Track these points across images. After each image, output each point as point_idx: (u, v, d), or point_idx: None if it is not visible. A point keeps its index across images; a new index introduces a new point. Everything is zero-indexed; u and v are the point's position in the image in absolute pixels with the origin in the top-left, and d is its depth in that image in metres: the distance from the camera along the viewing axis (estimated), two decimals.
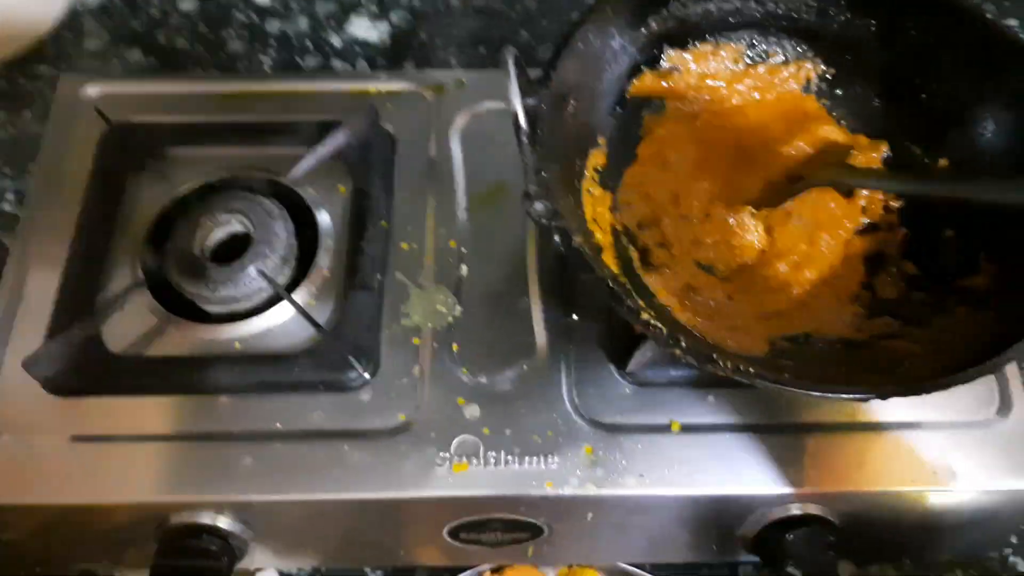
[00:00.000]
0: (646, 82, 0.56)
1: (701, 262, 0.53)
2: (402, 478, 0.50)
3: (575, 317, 0.55)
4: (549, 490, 0.50)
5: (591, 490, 0.50)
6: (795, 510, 0.50)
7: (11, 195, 0.73)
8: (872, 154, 0.55)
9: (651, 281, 0.52)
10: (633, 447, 0.51)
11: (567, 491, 0.50)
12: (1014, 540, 0.60)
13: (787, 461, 0.50)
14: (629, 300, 0.41)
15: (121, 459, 0.51)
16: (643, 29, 0.54)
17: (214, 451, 0.51)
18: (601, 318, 0.54)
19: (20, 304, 0.56)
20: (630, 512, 0.51)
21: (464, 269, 0.57)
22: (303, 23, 0.80)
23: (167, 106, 0.64)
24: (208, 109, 0.64)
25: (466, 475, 0.50)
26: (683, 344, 0.40)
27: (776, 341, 0.49)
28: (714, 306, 0.51)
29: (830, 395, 0.41)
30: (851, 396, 0.42)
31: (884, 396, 0.40)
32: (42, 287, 0.56)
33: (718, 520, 0.52)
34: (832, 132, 0.56)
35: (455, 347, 0.54)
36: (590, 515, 0.51)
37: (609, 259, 0.49)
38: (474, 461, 0.50)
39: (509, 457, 0.51)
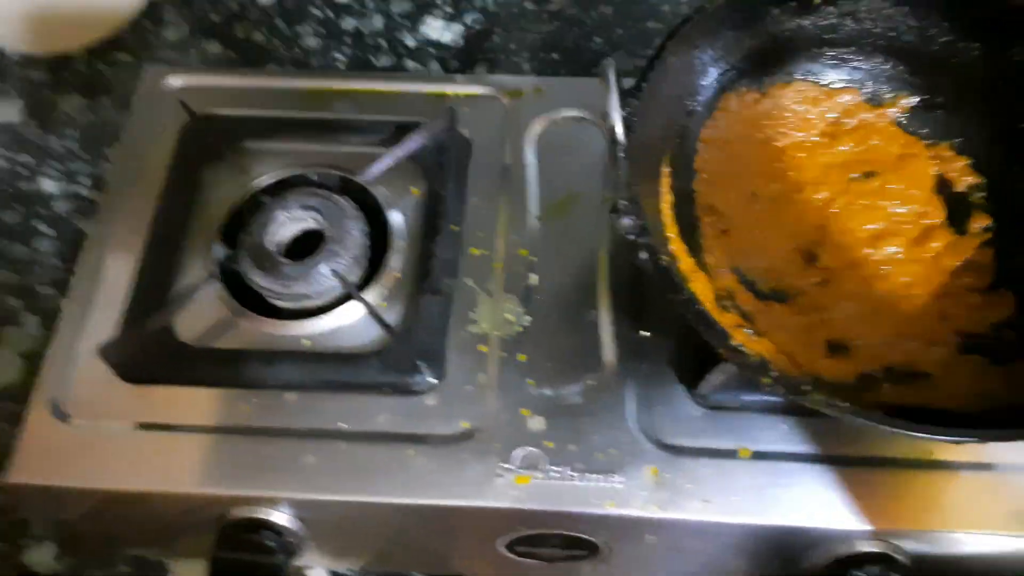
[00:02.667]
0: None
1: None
2: (463, 486, 0.50)
3: (645, 333, 0.54)
4: (611, 509, 0.49)
5: (654, 512, 0.49)
6: (863, 547, 0.49)
7: (87, 180, 0.74)
8: (966, 181, 0.53)
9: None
10: (699, 471, 0.50)
11: (629, 511, 0.49)
12: None
13: (858, 496, 0.49)
14: (718, 324, 0.40)
15: (185, 449, 0.51)
16: (736, 43, 0.53)
17: (278, 447, 0.51)
18: (672, 336, 0.53)
19: (97, 290, 0.56)
20: (691, 536, 0.50)
21: (534, 278, 0.57)
22: (378, 21, 0.81)
23: (245, 99, 0.65)
24: (285, 104, 0.64)
25: (528, 488, 0.50)
26: (773, 374, 0.39)
27: (864, 372, 0.47)
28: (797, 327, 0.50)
29: (928, 436, 0.39)
30: (952, 438, 0.40)
31: (985, 440, 0.39)
32: (118, 274, 0.57)
33: (781, 551, 0.51)
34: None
35: (522, 357, 0.54)
36: (651, 537, 0.50)
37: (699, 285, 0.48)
38: (537, 474, 0.50)
39: (572, 473, 0.50)
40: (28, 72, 0.79)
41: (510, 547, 0.52)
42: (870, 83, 0.55)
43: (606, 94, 0.42)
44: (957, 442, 0.44)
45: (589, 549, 0.52)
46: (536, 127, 0.62)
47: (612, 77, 0.42)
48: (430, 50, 0.79)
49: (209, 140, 0.61)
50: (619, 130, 0.41)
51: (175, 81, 0.65)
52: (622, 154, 0.42)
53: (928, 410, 0.47)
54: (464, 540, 0.55)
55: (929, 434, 0.39)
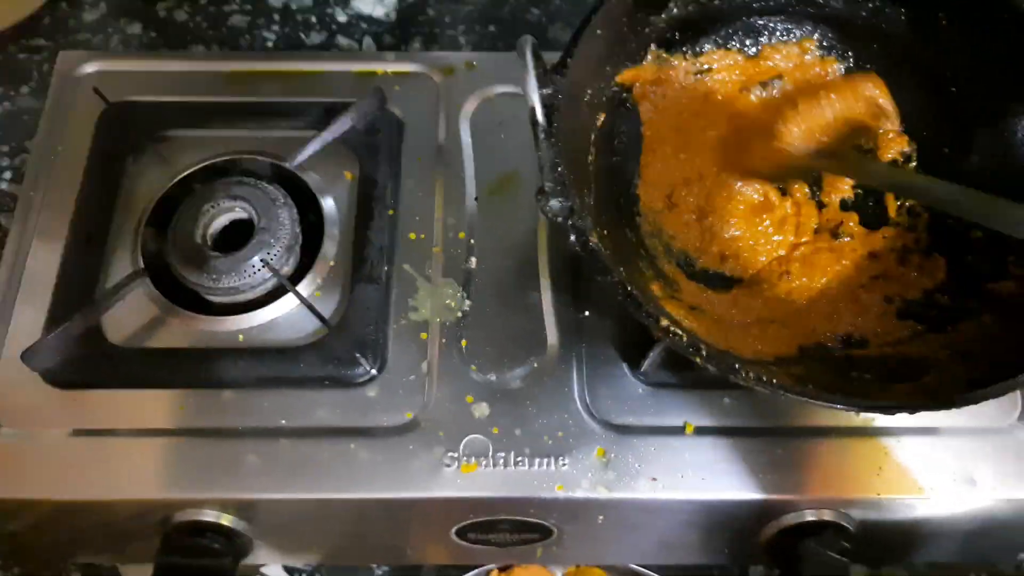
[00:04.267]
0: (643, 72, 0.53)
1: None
2: (410, 478, 0.49)
3: (587, 314, 0.54)
4: (560, 493, 0.49)
5: (603, 493, 0.49)
6: (810, 516, 0.49)
7: (7, 173, 0.71)
8: (897, 148, 0.53)
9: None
10: (646, 449, 0.50)
11: (578, 494, 0.49)
12: None
13: (802, 466, 0.49)
14: (648, 305, 0.39)
15: (123, 454, 0.50)
16: (663, 14, 0.51)
17: (218, 447, 0.50)
18: (614, 316, 0.53)
19: (19, 290, 0.54)
20: (642, 515, 0.50)
21: (473, 262, 0.55)
22: None
23: (167, 84, 0.62)
24: (209, 88, 0.62)
25: (475, 476, 0.49)
26: (704, 352, 0.38)
27: (800, 346, 0.47)
28: (732, 305, 0.50)
29: (858, 408, 0.39)
30: (880, 409, 0.41)
31: (913, 410, 0.39)
32: (41, 273, 0.54)
33: (731, 524, 0.51)
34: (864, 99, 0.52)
35: (464, 343, 0.53)
36: (601, 518, 0.50)
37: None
38: (483, 461, 0.49)
39: (519, 458, 0.49)
40: None
41: (461, 534, 0.52)
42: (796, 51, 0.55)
43: (524, 73, 0.40)
44: (886, 412, 0.44)
45: (541, 532, 0.52)
46: (470, 105, 0.61)
47: (529, 54, 0.40)
48: (362, 25, 0.76)
49: (127, 129, 0.59)
50: (539, 110, 0.40)
51: (89, 67, 0.62)
52: (542, 135, 0.40)
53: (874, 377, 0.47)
54: (416, 530, 0.54)
55: (851, 406, 0.39)
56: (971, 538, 0.53)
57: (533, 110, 0.40)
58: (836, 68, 0.54)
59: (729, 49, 0.54)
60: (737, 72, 0.54)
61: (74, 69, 0.62)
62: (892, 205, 0.53)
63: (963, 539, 0.53)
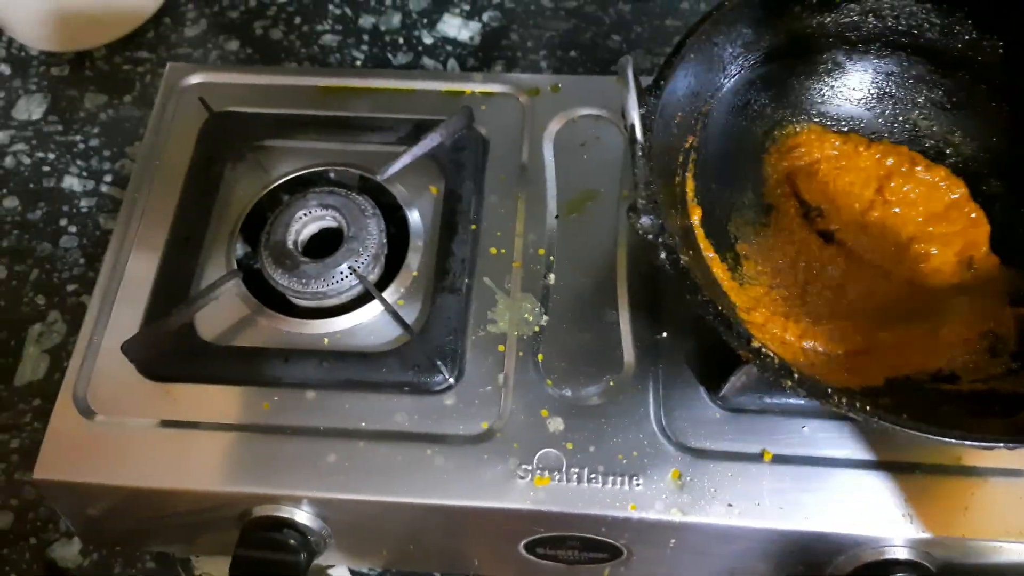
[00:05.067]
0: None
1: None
2: (482, 487, 0.49)
3: (664, 335, 0.54)
4: (633, 513, 0.48)
5: (676, 516, 0.48)
6: (890, 554, 0.48)
7: (108, 176, 0.75)
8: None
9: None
10: (722, 475, 0.49)
11: (651, 515, 0.48)
12: None
13: (884, 501, 0.48)
14: (739, 327, 0.39)
15: (207, 447, 0.52)
16: (756, 40, 0.52)
17: (299, 445, 0.51)
18: (693, 337, 0.53)
19: (120, 287, 0.57)
20: (714, 541, 0.50)
21: (552, 278, 0.56)
22: (395, 19, 0.81)
23: (264, 97, 0.65)
24: (304, 102, 0.64)
25: (548, 490, 0.49)
26: (796, 376, 0.38)
27: (887, 378, 0.46)
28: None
29: (955, 440, 0.38)
30: (979, 441, 0.39)
31: (1013, 445, 0.38)
32: (141, 272, 0.57)
33: (806, 557, 0.50)
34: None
35: (540, 357, 0.53)
36: (673, 541, 0.50)
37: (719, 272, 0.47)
38: (556, 476, 0.50)
39: (593, 475, 0.49)
40: (50, 70, 0.80)
41: (529, 548, 0.52)
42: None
43: (624, 92, 0.41)
44: (979, 447, 0.43)
45: (610, 552, 0.51)
46: (553, 125, 0.62)
47: (631, 74, 0.41)
48: (447, 48, 0.79)
49: (228, 138, 0.61)
50: (638, 129, 0.41)
51: (195, 78, 0.65)
52: (640, 153, 0.41)
53: (964, 411, 0.46)
54: (483, 541, 0.54)
55: (948, 438, 0.38)
56: None
57: (632, 128, 0.41)
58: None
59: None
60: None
61: (181, 80, 0.66)
62: None
63: None
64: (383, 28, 0.80)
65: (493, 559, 0.56)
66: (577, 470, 0.50)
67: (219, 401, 0.53)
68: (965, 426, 0.39)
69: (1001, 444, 0.38)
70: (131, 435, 0.52)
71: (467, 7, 0.81)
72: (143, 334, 0.53)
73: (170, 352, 0.54)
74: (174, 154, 0.62)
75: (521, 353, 0.54)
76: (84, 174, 0.75)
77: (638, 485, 0.49)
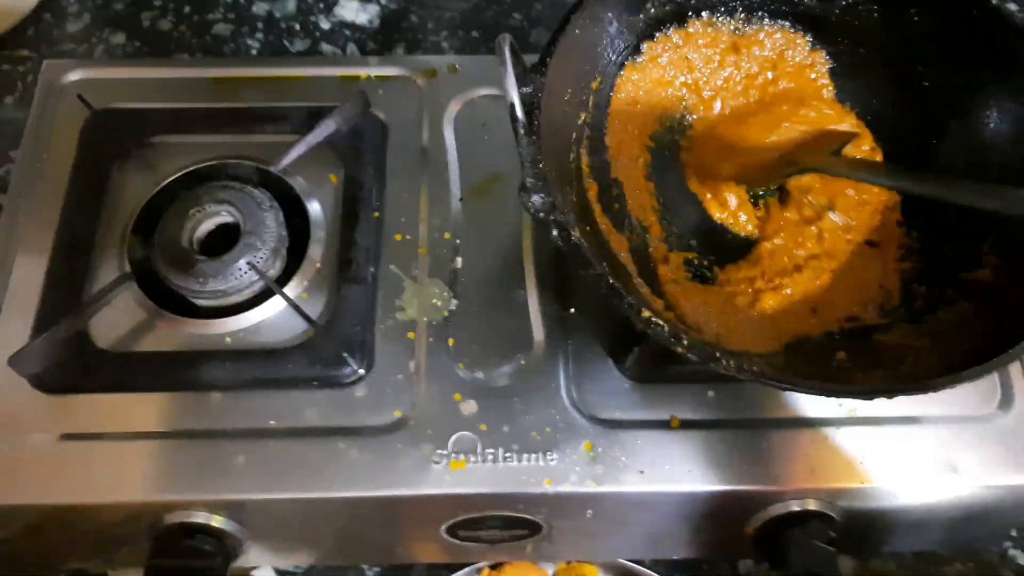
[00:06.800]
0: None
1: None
2: (399, 476, 0.49)
3: (573, 311, 0.54)
4: (548, 488, 0.49)
5: (591, 487, 0.49)
6: (795, 506, 0.50)
7: None
8: (868, 145, 0.54)
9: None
10: (633, 443, 0.50)
11: (567, 488, 0.49)
12: (1014, 534, 0.60)
13: (787, 456, 0.50)
14: (630, 297, 0.40)
15: (112, 458, 0.50)
16: (641, 14, 0.52)
17: (207, 449, 0.50)
18: (599, 312, 0.53)
19: (5, 296, 0.54)
20: (630, 509, 0.51)
21: (459, 261, 0.56)
22: (291, 5, 0.78)
23: (152, 92, 0.62)
24: (194, 95, 0.62)
25: (464, 472, 0.49)
26: (685, 342, 0.39)
27: (780, 337, 0.48)
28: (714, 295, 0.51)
29: (836, 393, 0.40)
30: (859, 394, 0.41)
31: (892, 395, 0.39)
32: (28, 280, 0.54)
33: (718, 516, 0.52)
34: (831, 115, 0.54)
35: (451, 342, 0.53)
36: (590, 512, 0.51)
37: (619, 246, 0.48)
38: (472, 458, 0.50)
39: (507, 454, 0.50)
40: None
41: (451, 532, 0.52)
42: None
43: (503, 71, 0.41)
44: (865, 398, 0.45)
45: (530, 528, 0.52)
46: (453, 107, 0.61)
47: (508, 53, 0.41)
48: (346, 32, 0.77)
49: (112, 136, 0.59)
50: (518, 107, 0.41)
51: (74, 75, 0.62)
52: (522, 132, 0.41)
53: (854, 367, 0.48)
54: (406, 529, 0.54)
55: (828, 393, 0.40)
56: (955, 526, 0.54)
57: (513, 107, 0.41)
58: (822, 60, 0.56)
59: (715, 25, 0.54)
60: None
61: (59, 77, 0.62)
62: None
63: (947, 527, 0.54)
64: (278, 15, 0.78)
65: (417, 546, 0.56)
66: (492, 451, 0.50)
67: (121, 410, 0.51)
68: (851, 380, 0.41)
69: (881, 394, 0.40)
70: (29, 452, 0.50)
71: None
72: (32, 346, 0.51)
73: (64, 363, 0.51)
74: (57, 155, 0.59)
75: (431, 339, 0.53)
76: None
77: (552, 460, 0.50)
